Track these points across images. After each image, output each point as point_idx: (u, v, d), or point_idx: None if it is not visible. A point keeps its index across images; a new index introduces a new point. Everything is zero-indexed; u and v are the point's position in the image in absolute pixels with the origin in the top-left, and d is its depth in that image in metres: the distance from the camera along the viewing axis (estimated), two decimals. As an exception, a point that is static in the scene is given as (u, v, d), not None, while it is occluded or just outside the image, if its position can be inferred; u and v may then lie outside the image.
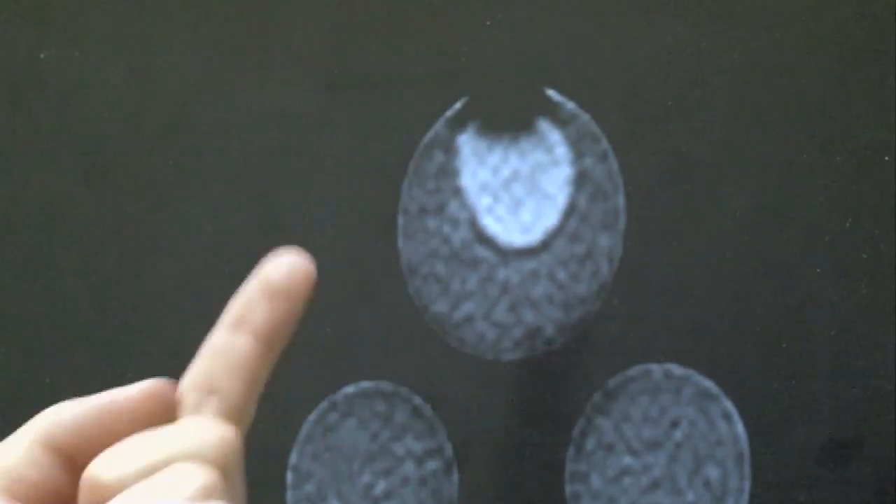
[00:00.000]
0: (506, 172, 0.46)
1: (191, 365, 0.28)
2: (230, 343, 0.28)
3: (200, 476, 0.24)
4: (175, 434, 0.25)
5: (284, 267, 0.28)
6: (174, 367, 0.48)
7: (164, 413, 0.27)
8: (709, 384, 0.45)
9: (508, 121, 0.46)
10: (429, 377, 0.46)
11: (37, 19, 0.47)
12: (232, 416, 0.27)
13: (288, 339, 0.28)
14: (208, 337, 0.28)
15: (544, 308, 0.46)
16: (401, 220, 0.46)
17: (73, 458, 0.26)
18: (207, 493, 0.23)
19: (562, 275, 0.46)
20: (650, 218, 0.45)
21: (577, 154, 0.45)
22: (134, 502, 0.23)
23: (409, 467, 0.46)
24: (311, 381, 0.47)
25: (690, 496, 0.45)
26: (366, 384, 0.47)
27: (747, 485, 0.45)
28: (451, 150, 0.46)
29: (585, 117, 0.45)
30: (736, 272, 0.44)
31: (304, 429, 0.47)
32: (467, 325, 0.46)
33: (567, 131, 0.46)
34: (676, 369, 0.45)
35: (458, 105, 0.46)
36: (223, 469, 0.25)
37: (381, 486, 0.46)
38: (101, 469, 0.24)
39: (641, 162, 0.45)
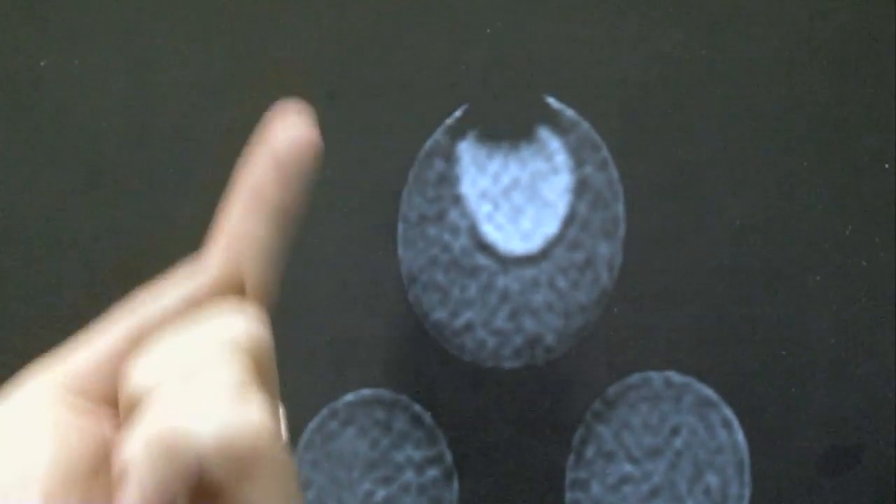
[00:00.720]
0: (506, 180, 0.46)
1: (209, 250, 0.27)
2: (248, 229, 0.27)
3: (236, 370, 0.23)
4: (208, 327, 0.25)
5: (293, 144, 0.27)
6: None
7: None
8: (709, 392, 0.45)
9: (508, 129, 0.46)
10: (429, 385, 0.46)
11: (38, 26, 0.47)
12: (259, 299, 0.27)
13: (300, 214, 0.27)
14: (222, 214, 0.28)
15: (544, 316, 0.46)
16: (401, 227, 0.46)
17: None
18: (244, 384, 0.23)
19: (562, 283, 0.46)
20: (650, 226, 0.45)
21: (578, 162, 0.46)
22: (173, 404, 0.22)
23: (409, 475, 0.46)
24: (311, 388, 0.47)
25: (691, 504, 0.45)
26: (366, 392, 0.47)
27: (747, 492, 0.45)
28: (451, 158, 0.46)
29: (585, 125, 0.45)
30: (736, 280, 0.45)
31: (304, 436, 0.47)
32: (467, 332, 0.46)
33: (567, 139, 0.46)
34: (676, 377, 0.45)
35: (457, 113, 0.46)
36: (256, 359, 0.24)
37: (380, 494, 0.46)
38: (139, 377, 0.24)
39: (641, 170, 0.45)
